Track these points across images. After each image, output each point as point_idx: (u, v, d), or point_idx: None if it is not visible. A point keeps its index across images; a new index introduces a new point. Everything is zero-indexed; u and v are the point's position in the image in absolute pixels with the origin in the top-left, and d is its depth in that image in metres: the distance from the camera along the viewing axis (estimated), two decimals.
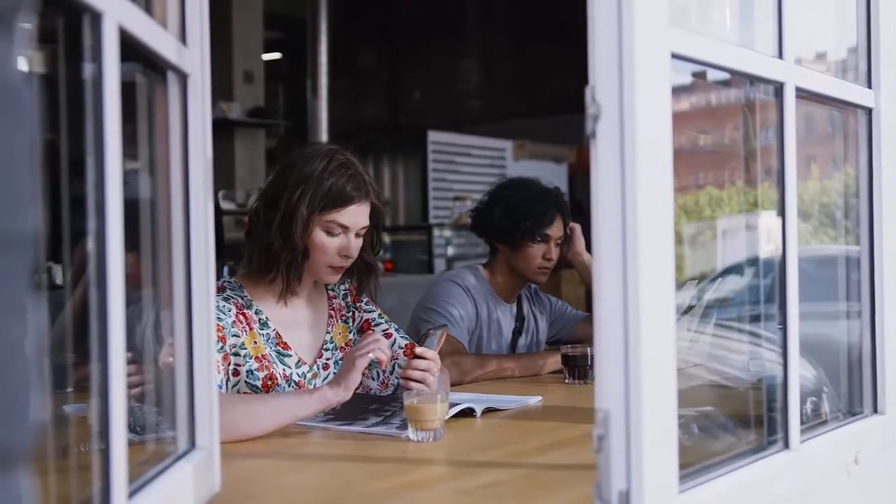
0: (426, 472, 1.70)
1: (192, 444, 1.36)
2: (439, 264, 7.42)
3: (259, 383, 2.17)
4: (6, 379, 0.56)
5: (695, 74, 1.46)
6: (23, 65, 0.60)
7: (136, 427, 1.32)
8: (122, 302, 1.01)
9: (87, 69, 0.99)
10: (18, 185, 0.57)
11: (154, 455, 1.33)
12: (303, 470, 1.73)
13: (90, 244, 0.98)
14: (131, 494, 1.07)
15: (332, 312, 2.38)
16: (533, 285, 3.16)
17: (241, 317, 2.18)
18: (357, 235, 2.24)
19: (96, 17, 0.98)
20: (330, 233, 2.20)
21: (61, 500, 1.09)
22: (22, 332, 0.58)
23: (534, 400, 2.34)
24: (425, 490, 1.58)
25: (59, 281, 2.29)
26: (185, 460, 1.31)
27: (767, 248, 1.91)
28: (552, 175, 6.00)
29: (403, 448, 1.82)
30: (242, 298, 2.23)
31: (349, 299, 2.42)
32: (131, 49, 1.09)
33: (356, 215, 2.21)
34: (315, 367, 2.29)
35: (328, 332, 2.35)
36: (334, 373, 2.30)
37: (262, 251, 2.21)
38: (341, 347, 2.36)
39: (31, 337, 0.59)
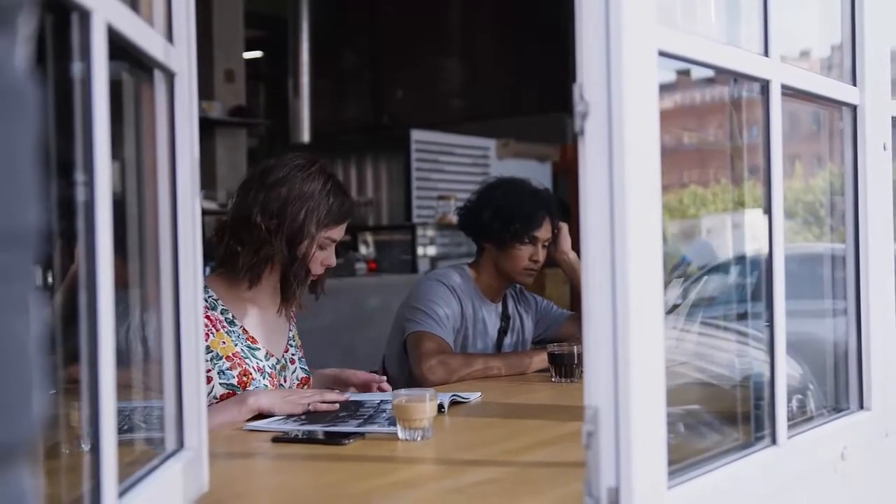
0: (415, 470, 1.70)
1: (181, 443, 1.35)
2: (423, 264, 7.41)
3: (234, 381, 2.18)
4: (9, 375, 0.56)
5: (678, 72, 1.46)
6: (24, 63, 0.60)
7: (122, 426, 1.31)
8: (112, 302, 1.00)
9: (75, 67, 0.99)
10: (22, 182, 0.57)
11: (142, 455, 1.32)
12: (291, 470, 1.73)
13: (79, 245, 0.97)
14: (121, 494, 1.06)
15: (291, 314, 2.46)
16: (518, 284, 3.16)
17: (205, 319, 2.18)
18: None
19: (85, 15, 0.97)
20: (322, 247, 2.27)
21: (49, 500, 1.08)
22: (25, 329, 0.58)
23: (474, 396, 2.34)
24: (415, 489, 1.58)
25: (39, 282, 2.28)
26: (174, 460, 1.31)
27: (752, 246, 1.91)
28: (536, 174, 6.00)
29: (392, 447, 1.82)
30: (206, 300, 2.22)
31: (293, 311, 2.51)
32: (117, 47, 1.08)
33: (343, 230, 2.33)
34: (283, 360, 2.36)
35: (290, 330, 2.43)
36: (301, 367, 2.41)
37: (262, 261, 2.24)
38: (300, 346, 2.46)
39: (34, 333, 0.59)
